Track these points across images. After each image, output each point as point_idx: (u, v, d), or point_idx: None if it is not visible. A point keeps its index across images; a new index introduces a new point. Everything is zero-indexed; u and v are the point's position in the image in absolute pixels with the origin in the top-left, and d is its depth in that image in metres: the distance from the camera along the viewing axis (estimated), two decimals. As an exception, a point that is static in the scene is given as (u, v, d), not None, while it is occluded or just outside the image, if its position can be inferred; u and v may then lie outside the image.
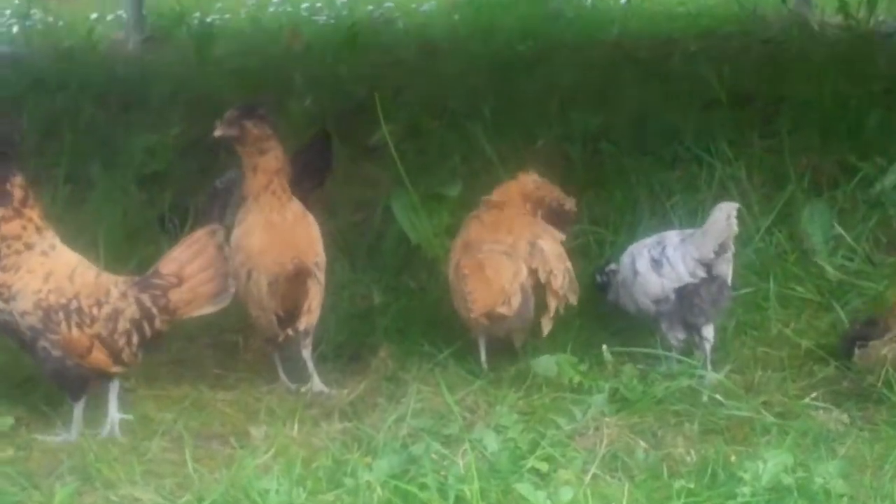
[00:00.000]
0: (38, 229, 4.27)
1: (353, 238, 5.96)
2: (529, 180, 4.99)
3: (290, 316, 4.59)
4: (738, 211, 4.53)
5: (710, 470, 3.81)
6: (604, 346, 4.71)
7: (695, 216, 5.44)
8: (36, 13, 13.13)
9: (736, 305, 4.92)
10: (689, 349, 4.69)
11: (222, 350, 5.06)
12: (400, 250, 5.75)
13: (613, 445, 4.04)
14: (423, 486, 3.67)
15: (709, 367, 4.61)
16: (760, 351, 4.85)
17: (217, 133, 4.71)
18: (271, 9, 13.32)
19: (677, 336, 4.67)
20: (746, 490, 3.64)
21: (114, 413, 4.37)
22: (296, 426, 4.29)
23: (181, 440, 4.23)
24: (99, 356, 4.28)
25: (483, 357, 4.78)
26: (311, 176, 5.70)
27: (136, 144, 7.31)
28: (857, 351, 4.48)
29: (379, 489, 3.68)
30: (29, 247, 4.24)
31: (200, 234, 4.46)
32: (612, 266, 4.91)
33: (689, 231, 4.71)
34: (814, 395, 4.43)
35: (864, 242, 5.50)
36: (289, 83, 8.72)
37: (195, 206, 6.03)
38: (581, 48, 9.94)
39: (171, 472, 4.02)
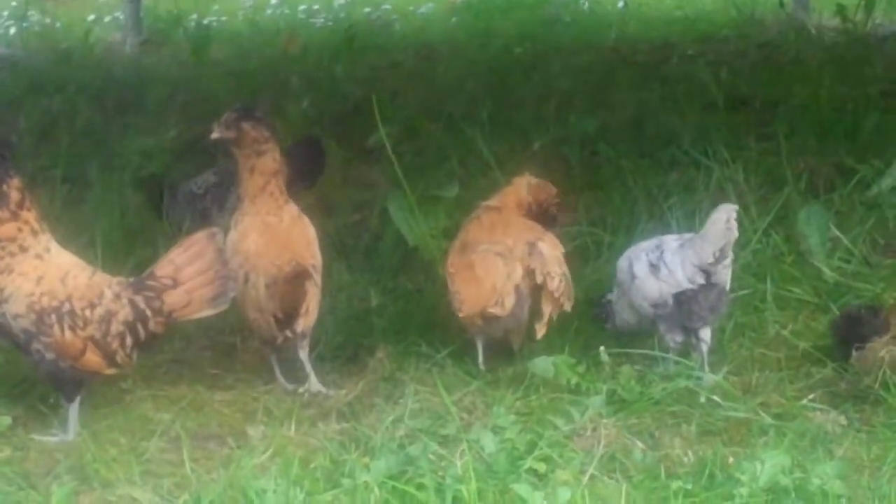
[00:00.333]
0: (34, 232, 4.25)
1: (350, 239, 5.96)
2: (524, 183, 5.00)
3: (288, 318, 4.58)
4: (737, 213, 4.53)
5: (707, 471, 3.81)
6: (601, 348, 4.70)
7: (692, 218, 5.45)
8: (33, 15, 13.13)
9: (733, 307, 4.92)
10: (687, 351, 4.68)
11: (220, 351, 5.06)
12: (397, 252, 5.74)
13: (611, 446, 4.03)
14: (420, 487, 3.67)
15: (706, 368, 4.61)
16: (758, 352, 4.84)
17: (214, 135, 4.72)
18: (269, 11, 13.32)
19: (675, 338, 4.66)
20: (744, 491, 3.64)
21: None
22: (293, 426, 4.29)
23: (179, 440, 4.22)
24: (92, 358, 4.27)
25: (480, 358, 4.77)
26: (298, 178, 5.68)
27: (133, 146, 7.31)
28: (854, 353, 4.47)
29: (376, 489, 3.68)
30: (23, 249, 4.22)
31: (199, 236, 4.42)
32: (610, 296, 4.89)
33: (687, 235, 4.69)
34: (811, 396, 4.43)
35: (860, 244, 5.50)
36: (286, 85, 8.74)
37: (165, 207, 6.03)
38: (578, 52, 9.95)
39: (169, 472, 4.02)
